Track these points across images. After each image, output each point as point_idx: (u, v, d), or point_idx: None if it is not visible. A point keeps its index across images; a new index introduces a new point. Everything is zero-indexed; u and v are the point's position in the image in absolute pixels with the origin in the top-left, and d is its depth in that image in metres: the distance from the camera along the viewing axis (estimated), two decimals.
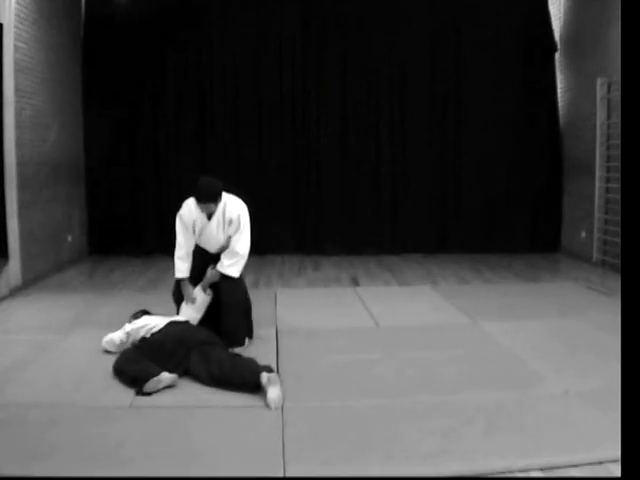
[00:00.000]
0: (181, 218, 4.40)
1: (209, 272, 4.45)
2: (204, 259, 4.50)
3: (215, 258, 4.47)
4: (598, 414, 3.25)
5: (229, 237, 4.38)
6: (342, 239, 9.06)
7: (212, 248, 4.49)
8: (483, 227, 9.12)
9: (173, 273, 4.50)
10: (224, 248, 4.43)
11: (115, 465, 2.77)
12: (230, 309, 4.42)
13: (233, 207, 4.35)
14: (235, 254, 4.35)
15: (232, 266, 4.37)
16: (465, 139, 9.08)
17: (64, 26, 8.01)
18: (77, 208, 8.55)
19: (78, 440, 2.99)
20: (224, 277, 4.40)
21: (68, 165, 8.12)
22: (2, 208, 6.05)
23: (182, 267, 4.45)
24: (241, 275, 4.52)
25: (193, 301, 4.45)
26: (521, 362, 4.11)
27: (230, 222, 4.33)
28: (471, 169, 9.09)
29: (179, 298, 4.55)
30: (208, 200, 4.25)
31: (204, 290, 4.47)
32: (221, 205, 4.32)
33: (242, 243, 4.35)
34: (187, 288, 4.47)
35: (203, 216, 4.35)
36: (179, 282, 4.52)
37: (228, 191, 4.41)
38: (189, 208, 4.38)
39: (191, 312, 4.44)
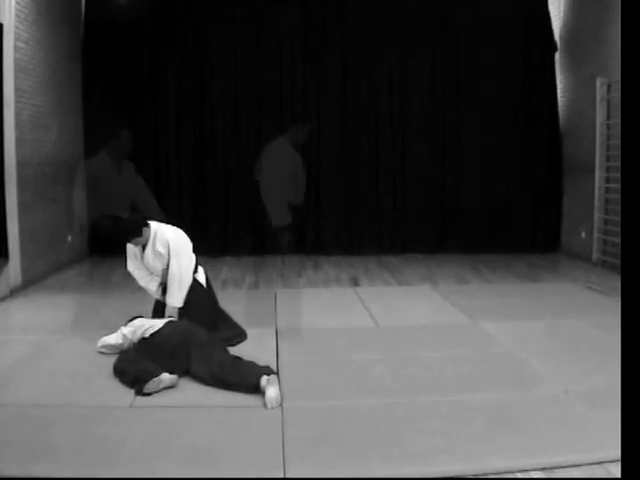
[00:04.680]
0: (128, 254, 4.57)
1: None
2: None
3: None
4: (598, 414, 3.25)
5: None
6: (342, 239, 9.06)
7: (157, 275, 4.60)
8: (483, 227, 9.11)
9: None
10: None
11: (115, 465, 2.77)
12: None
13: (162, 237, 4.39)
14: (171, 282, 4.37)
15: (172, 297, 4.40)
16: (465, 139, 9.07)
17: (64, 26, 8.01)
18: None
19: (78, 440, 2.99)
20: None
21: (68, 165, 8.11)
22: (2, 208, 6.04)
23: (153, 287, 4.57)
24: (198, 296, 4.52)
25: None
26: (521, 362, 4.11)
27: (160, 254, 4.40)
28: (471, 169, 9.08)
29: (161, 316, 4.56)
30: (127, 240, 4.43)
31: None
32: (152, 236, 4.41)
33: (176, 267, 4.35)
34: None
35: (139, 248, 4.50)
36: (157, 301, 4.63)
37: (162, 220, 4.56)
38: (128, 245, 4.54)
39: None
